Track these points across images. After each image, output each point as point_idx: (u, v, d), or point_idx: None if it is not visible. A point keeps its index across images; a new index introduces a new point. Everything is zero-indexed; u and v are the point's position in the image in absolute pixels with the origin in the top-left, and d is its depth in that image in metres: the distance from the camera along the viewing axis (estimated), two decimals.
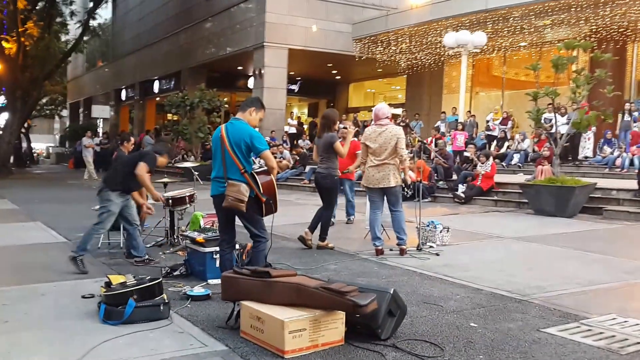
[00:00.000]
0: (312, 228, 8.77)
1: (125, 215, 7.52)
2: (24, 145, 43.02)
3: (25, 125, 40.91)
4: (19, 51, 28.60)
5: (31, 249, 8.70)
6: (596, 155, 18.78)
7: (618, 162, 17.45)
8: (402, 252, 8.07)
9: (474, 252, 8.63)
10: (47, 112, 54.48)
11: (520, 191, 14.08)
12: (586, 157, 18.85)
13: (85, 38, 35.17)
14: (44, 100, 48.56)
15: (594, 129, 18.21)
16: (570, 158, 18.45)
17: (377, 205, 8.18)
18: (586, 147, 19.04)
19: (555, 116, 14.24)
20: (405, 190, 12.44)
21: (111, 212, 7.25)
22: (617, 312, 5.45)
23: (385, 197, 8.14)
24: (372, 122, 8.18)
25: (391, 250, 8.25)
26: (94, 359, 4.23)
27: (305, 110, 38.57)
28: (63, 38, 36.91)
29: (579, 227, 11.10)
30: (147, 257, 7.58)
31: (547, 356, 4.33)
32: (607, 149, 18.41)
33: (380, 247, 8.14)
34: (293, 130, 27.80)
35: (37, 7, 31.02)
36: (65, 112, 56.53)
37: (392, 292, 4.71)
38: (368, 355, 4.30)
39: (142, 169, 7.27)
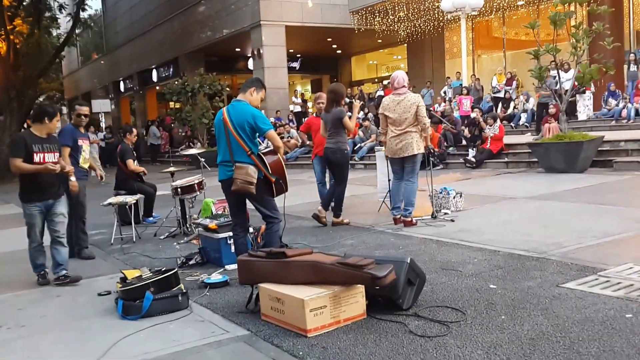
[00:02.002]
0: (325, 205, 8.75)
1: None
2: None
3: (25, 126, 40.67)
4: (9, 50, 28.04)
5: None
6: (601, 109, 18.65)
7: (624, 113, 17.35)
8: (406, 224, 8.00)
9: (488, 215, 8.60)
10: None
11: (530, 151, 14.03)
12: (589, 119, 18.70)
13: (77, 31, 34.59)
14: (40, 99, 48.07)
15: (592, 89, 18.18)
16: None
17: (399, 176, 8.12)
18: (587, 105, 18.87)
19: (558, 73, 14.12)
20: (433, 156, 12.36)
21: (28, 223, 6.46)
22: (633, 261, 5.46)
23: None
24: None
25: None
26: (114, 356, 4.20)
27: (309, 87, 38.35)
28: (54, 33, 36.42)
29: (590, 182, 11.06)
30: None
31: (567, 310, 4.34)
32: (612, 101, 18.27)
33: (398, 216, 8.11)
34: (298, 108, 27.66)
35: (24, 3, 30.35)
36: (64, 110, 56.13)
37: (409, 261, 4.68)
38: (391, 326, 4.30)
39: (13, 164, 6.17)
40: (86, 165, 7.86)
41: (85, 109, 7.95)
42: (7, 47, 27.97)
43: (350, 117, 8.62)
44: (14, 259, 8.23)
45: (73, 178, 7.01)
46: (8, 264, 7.89)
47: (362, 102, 17.88)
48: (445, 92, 23.39)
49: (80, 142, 7.71)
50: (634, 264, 5.35)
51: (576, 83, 13.26)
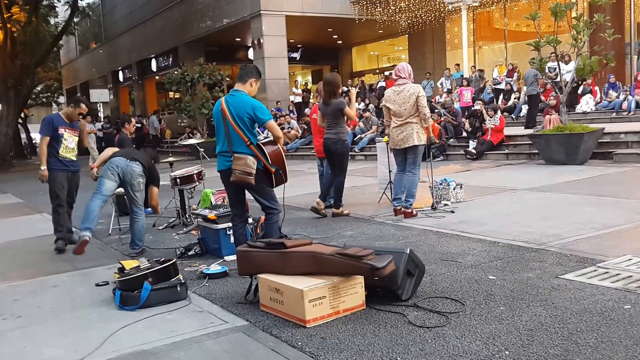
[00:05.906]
0: (323, 197, 8.74)
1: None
2: (23, 136, 42.60)
3: (22, 115, 40.43)
4: (7, 38, 27.86)
5: (39, 241, 8.50)
6: (602, 101, 18.63)
7: (624, 105, 17.33)
8: (406, 215, 8.00)
9: (488, 207, 8.60)
10: (44, 100, 53.64)
11: (531, 142, 14.02)
12: (586, 112, 18.64)
13: (75, 19, 34.32)
14: (38, 88, 47.92)
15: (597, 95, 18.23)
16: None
17: (402, 167, 8.12)
18: (587, 102, 18.84)
19: (558, 64, 14.10)
20: (435, 149, 12.34)
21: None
22: (632, 252, 5.46)
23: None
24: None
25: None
26: (112, 346, 4.17)
27: (310, 78, 38.28)
28: (52, 21, 36.15)
29: (590, 173, 11.06)
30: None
31: (566, 301, 4.34)
32: (613, 93, 18.25)
33: (399, 207, 8.11)
34: (299, 99, 27.61)
35: None
36: (62, 99, 55.71)
37: (408, 252, 4.68)
38: (390, 317, 4.29)
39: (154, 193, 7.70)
40: (69, 155, 7.72)
41: (85, 109, 7.91)
42: (4, 35, 27.74)
43: (349, 105, 8.59)
44: (10, 249, 8.24)
45: (42, 167, 7.49)
46: (3, 254, 7.88)
47: (357, 90, 17.78)
48: (442, 84, 23.31)
49: (61, 130, 7.60)
50: (633, 255, 5.36)
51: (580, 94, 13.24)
